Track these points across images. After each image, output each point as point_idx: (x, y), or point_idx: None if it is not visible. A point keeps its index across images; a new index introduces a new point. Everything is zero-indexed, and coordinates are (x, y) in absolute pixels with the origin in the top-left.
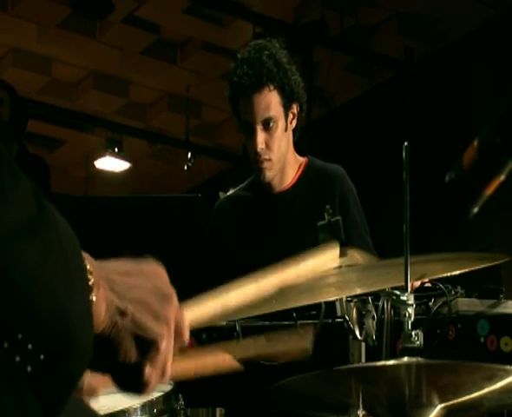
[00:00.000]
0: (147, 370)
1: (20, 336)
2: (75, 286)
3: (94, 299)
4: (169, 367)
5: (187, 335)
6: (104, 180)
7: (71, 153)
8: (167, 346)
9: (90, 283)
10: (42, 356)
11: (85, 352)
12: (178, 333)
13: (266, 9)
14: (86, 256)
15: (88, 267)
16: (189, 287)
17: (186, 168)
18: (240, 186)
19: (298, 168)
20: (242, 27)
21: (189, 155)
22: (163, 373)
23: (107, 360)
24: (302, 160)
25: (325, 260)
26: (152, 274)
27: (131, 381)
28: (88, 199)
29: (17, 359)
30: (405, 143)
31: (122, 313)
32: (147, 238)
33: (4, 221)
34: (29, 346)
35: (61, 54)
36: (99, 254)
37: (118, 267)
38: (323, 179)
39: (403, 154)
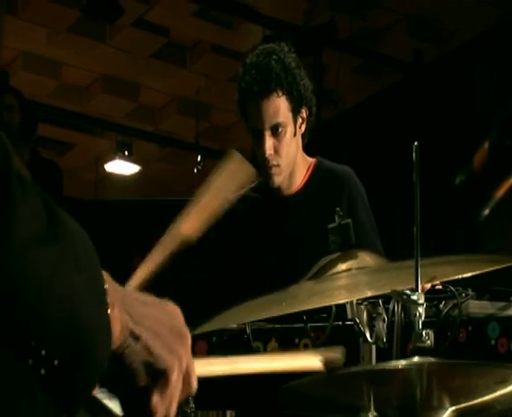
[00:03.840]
0: (155, 398)
1: (33, 343)
2: (91, 295)
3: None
4: (175, 405)
5: (194, 386)
6: (114, 183)
7: (81, 156)
8: (177, 379)
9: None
10: (55, 362)
11: (100, 360)
12: (186, 381)
13: (275, 12)
14: (104, 275)
15: (103, 277)
16: (199, 290)
17: (196, 171)
18: (250, 186)
19: (307, 169)
20: (251, 30)
21: (199, 158)
22: (170, 408)
23: (116, 382)
24: (311, 161)
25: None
26: (169, 311)
27: (138, 409)
28: (97, 202)
29: (30, 362)
30: (415, 143)
31: (136, 337)
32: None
33: (15, 235)
34: (43, 352)
35: (70, 58)
36: (109, 258)
37: (136, 294)
38: (331, 180)
39: (414, 154)
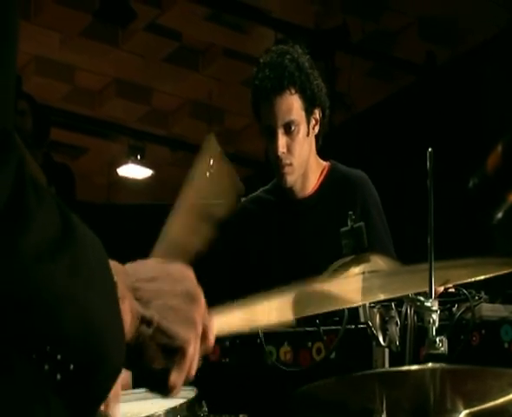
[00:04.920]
0: (174, 375)
1: (48, 348)
2: (104, 300)
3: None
4: (194, 368)
5: (212, 339)
6: (127, 187)
7: (94, 160)
8: (193, 350)
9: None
10: (71, 366)
11: (116, 363)
12: (204, 336)
13: (288, 16)
14: (112, 264)
15: (114, 279)
16: (212, 294)
17: (208, 175)
18: (264, 188)
19: (321, 173)
20: (263, 33)
21: (211, 162)
22: (188, 375)
23: (133, 367)
24: (324, 164)
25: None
26: (179, 276)
27: (157, 384)
28: (110, 206)
29: (46, 367)
30: (429, 150)
31: (148, 322)
32: None
33: (30, 241)
34: (58, 356)
35: (83, 62)
36: (121, 262)
37: (144, 272)
38: (345, 185)
39: (428, 161)
